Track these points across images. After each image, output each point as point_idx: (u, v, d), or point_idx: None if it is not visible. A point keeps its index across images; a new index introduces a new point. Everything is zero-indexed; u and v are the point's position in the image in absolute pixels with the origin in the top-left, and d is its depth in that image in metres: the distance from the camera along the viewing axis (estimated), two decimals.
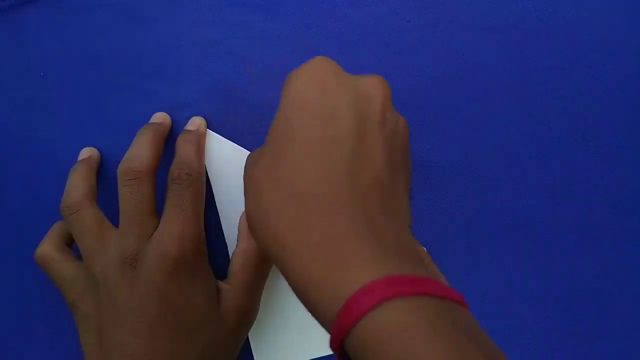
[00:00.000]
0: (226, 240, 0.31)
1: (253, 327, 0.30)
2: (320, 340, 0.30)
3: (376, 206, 0.20)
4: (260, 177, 0.21)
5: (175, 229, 0.26)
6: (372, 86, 0.23)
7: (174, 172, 0.28)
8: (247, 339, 0.31)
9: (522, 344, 0.29)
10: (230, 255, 0.30)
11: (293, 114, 0.21)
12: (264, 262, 0.29)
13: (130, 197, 0.28)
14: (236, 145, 0.32)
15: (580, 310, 0.29)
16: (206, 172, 0.31)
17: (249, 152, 0.31)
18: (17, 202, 0.34)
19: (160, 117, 0.32)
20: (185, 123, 0.33)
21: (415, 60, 0.32)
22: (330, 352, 0.30)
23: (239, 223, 0.30)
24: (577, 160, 0.30)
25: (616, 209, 0.30)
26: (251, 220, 0.21)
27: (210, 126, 0.33)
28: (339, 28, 0.32)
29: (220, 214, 0.31)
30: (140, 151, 0.29)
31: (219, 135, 0.32)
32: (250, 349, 0.31)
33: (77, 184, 0.30)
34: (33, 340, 0.34)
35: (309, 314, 0.30)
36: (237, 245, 0.29)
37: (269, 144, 0.22)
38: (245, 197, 0.22)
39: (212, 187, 0.31)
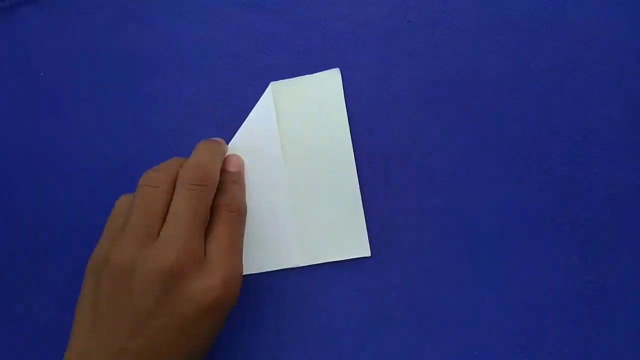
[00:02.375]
0: None
1: None
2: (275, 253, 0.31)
3: None
4: None
5: (177, 242, 0.25)
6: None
7: (187, 174, 0.27)
8: None
9: (522, 343, 0.29)
10: None
11: None
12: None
13: (189, 203, 0.26)
14: None
15: (580, 310, 0.29)
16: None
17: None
18: (17, 201, 0.34)
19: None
20: (185, 123, 0.33)
21: (415, 60, 0.32)
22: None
23: None
24: (577, 160, 0.30)
25: (617, 208, 0.30)
26: None
27: (209, 126, 0.33)
28: (339, 28, 0.32)
29: None
30: (209, 164, 0.28)
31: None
32: None
33: (213, 163, 0.28)
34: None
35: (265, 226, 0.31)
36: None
37: None
38: None
39: None
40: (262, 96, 0.32)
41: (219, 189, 0.29)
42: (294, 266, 0.31)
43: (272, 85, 0.32)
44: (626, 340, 0.29)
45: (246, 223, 0.31)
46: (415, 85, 0.31)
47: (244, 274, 0.29)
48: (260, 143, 0.31)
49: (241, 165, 0.31)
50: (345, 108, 0.31)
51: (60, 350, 0.32)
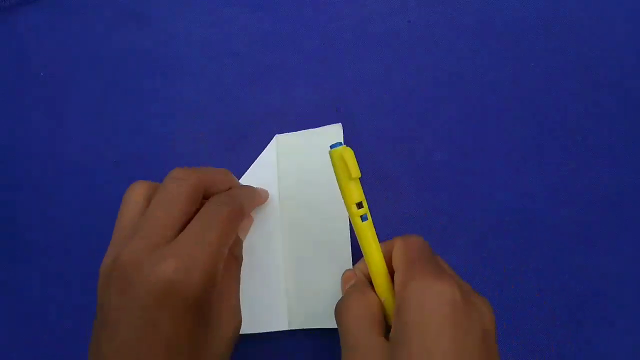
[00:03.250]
0: None
1: None
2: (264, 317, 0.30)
3: None
4: None
5: (187, 252, 0.22)
6: (489, 317, 0.23)
7: (171, 172, 0.25)
8: None
9: (522, 343, 0.29)
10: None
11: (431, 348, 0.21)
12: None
13: (163, 194, 0.24)
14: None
15: (580, 310, 0.29)
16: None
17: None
18: (16, 201, 0.34)
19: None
20: (184, 122, 0.33)
21: (415, 60, 0.32)
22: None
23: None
24: (577, 160, 0.30)
25: (617, 208, 0.30)
26: None
27: (209, 127, 0.33)
28: (339, 28, 0.32)
29: None
30: (210, 170, 0.26)
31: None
32: None
33: (215, 174, 0.27)
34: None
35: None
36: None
37: None
38: None
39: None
40: (266, 148, 0.31)
41: None
42: (283, 329, 0.29)
43: (277, 139, 0.31)
44: (626, 340, 0.29)
45: (241, 283, 0.29)
46: (415, 85, 0.31)
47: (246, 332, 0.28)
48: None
49: (264, 192, 0.30)
50: None
51: (61, 349, 0.33)
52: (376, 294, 0.25)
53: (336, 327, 0.26)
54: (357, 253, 0.29)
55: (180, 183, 0.25)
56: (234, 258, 0.27)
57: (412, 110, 0.31)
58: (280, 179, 0.30)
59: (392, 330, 0.22)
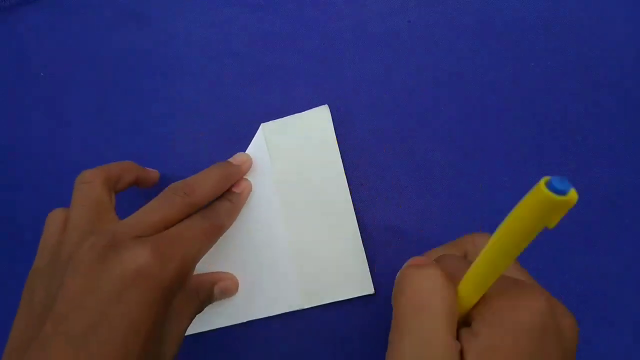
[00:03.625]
0: None
1: None
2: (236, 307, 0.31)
3: None
4: None
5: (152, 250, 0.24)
6: (573, 333, 0.20)
7: (175, 185, 0.27)
8: None
9: None
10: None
11: None
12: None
13: (163, 204, 0.26)
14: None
15: (580, 310, 0.29)
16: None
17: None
18: (16, 201, 0.34)
19: (240, 160, 0.31)
20: (184, 122, 0.33)
21: (415, 60, 0.32)
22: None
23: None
24: (577, 160, 0.30)
25: (617, 208, 0.30)
26: None
27: (209, 127, 0.33)
28: (339, 28, 0.32)
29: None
30: (203, 182, 0.28)
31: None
32: None
33: (206, 183, 0.28)
34: None
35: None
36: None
37: None
38: None
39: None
40: (254, 138, 0.31)
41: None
42: (297, 309, 0.30)
43: (263, 127, 0.31)
44: (626, 340, 0.29)
45: (246, 269, 0.31)
46: (415, 85, 0.31)
47: (250, 319, 0.30)
48: (255, 186, 0.31)
49: (244, 188, 0.31)
50: (336, 144, 0.31)
51: None
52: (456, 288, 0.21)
53: (346, 298, 0.30)
54: (362, 225, 0.31)
55: (171, 200, 0.26)
56: (200, 302, 0.28)
57: (412, 110, 0.31)
58: (274, 167, 0.31)
59: (468, 342, 0.19)
